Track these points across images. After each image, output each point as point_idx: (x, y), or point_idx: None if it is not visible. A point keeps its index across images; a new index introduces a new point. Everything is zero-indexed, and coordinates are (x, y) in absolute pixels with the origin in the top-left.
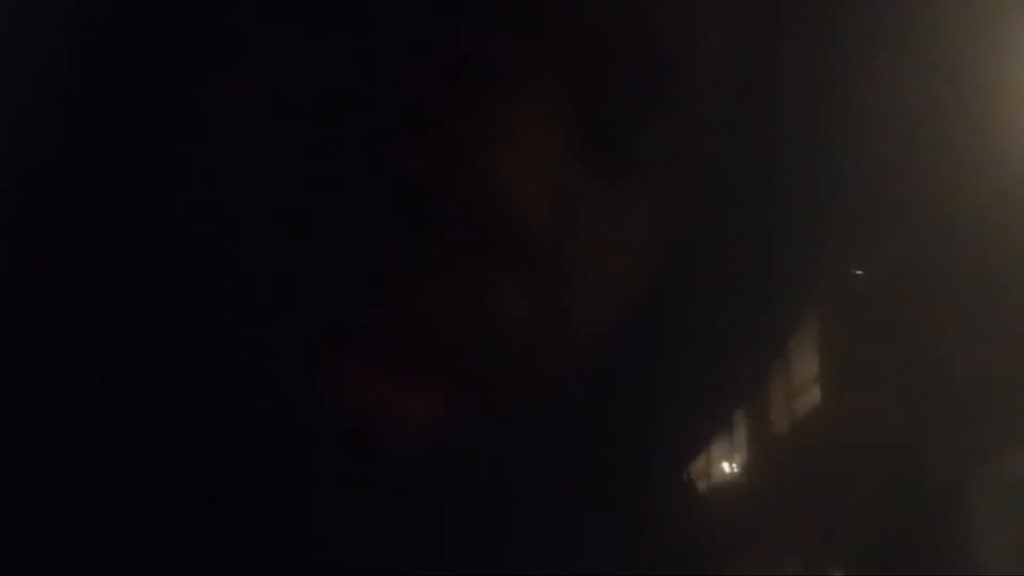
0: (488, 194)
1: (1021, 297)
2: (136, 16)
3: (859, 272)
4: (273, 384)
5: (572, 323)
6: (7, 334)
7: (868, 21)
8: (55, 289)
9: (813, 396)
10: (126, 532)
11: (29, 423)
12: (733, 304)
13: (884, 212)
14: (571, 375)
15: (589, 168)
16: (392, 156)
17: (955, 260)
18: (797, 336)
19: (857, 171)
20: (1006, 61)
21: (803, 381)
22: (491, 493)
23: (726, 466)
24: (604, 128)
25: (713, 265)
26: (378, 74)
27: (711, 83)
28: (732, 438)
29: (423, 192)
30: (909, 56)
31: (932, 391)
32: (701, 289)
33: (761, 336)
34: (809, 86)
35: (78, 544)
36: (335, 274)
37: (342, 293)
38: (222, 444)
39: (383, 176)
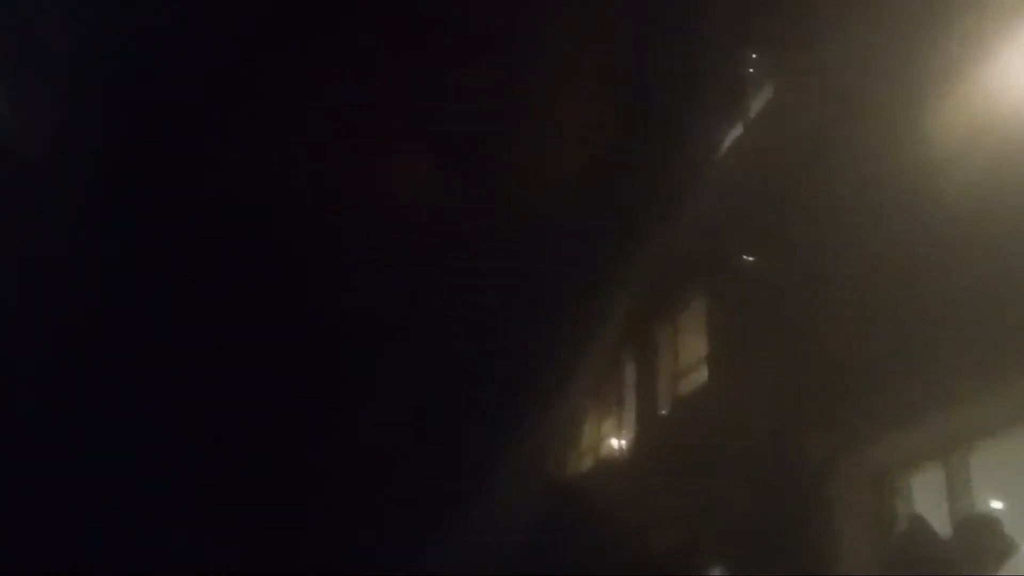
0: None
1: (900, 290)
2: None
3: (748, 259)
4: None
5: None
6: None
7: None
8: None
9: (692, 381)
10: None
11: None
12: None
13: (774, 203)
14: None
15: None
16: None
17: (839, 252)
18: (681, 320)
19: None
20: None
21: (683, 366)
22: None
23: (608, 449)
24: None
25: None
26: None
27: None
28: (609, 419)
29: None
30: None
31: (806, 379)
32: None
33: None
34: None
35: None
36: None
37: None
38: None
39: None
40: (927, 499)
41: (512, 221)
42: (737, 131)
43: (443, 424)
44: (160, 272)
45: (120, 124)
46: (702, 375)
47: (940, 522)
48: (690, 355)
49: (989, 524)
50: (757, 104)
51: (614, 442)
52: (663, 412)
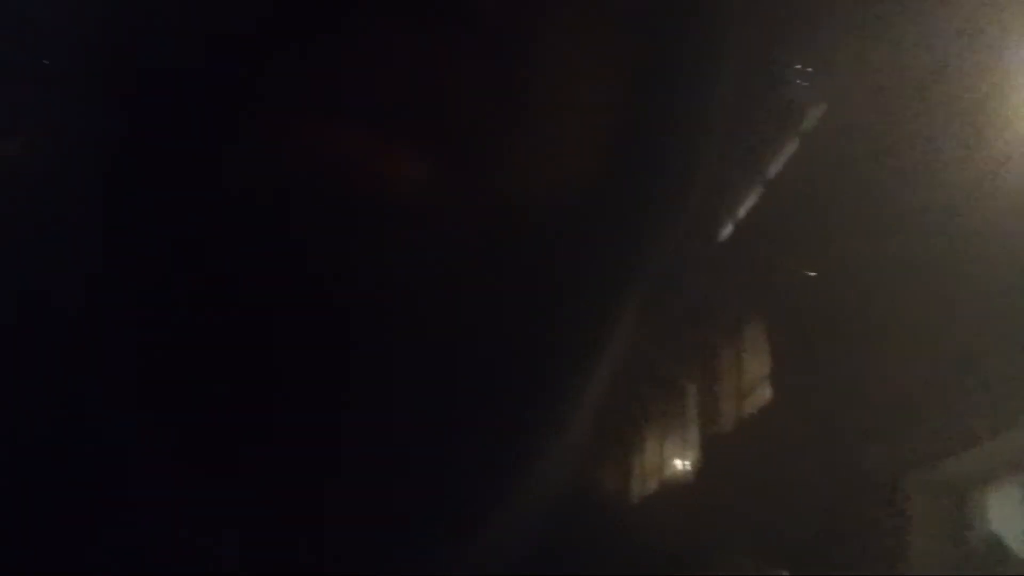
0: None
1: (965, 300)
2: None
3: (811, 274)
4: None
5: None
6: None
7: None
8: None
9: (758, 394)
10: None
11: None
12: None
13: (835, 212)
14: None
15: None
16: None
17: (901, 263)
18: (745, 333)
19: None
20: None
21: (748, 379)
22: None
23: (672, 463)
24: None
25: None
26: None
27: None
28: (672, 435)
29: None
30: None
31: (871, 396)
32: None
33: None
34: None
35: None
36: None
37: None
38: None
39: None
40: (1004, 517)
41: (532, 219)
42: (790, 143)
43: (455, 425)
44: (158, 270)
45: (116, 122)
46: (760, 391)
47: (1018, 541)
48: (747, 371)
49: None
50: (810, 116)
51: (664, 455)
52: (719, 428)
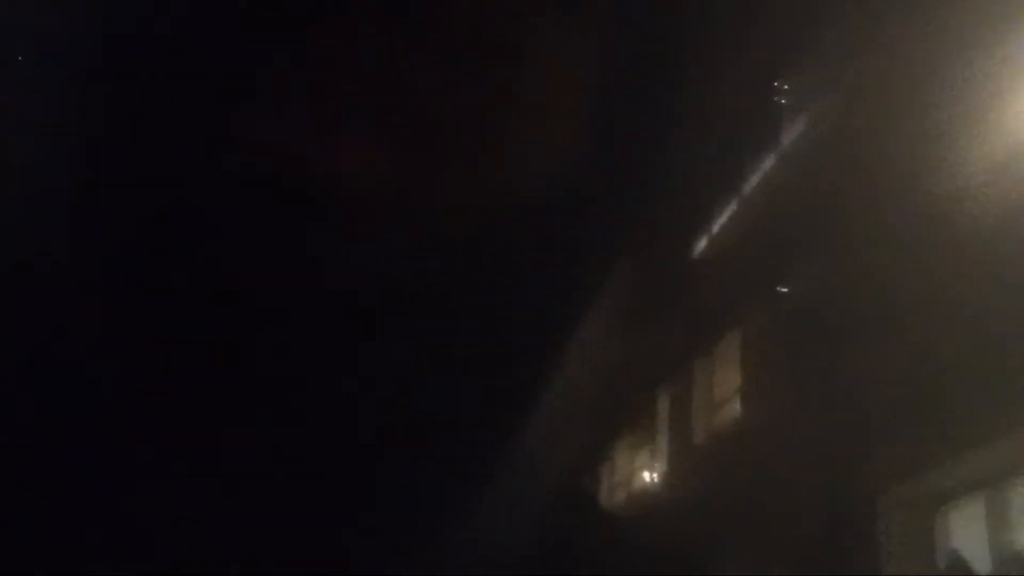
0: None
1: (945, 315)
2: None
3: (784, 290)
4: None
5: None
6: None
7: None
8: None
9: (737, 407)
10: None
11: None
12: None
13: (811, 231)
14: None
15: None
16: None
17: (881, 277)
18: (725, 348)
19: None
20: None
21: (728, 392)
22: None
23: (647, 475)
24: None
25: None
26: None
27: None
28: (656, 446)
29: None
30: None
31: (854, 407)
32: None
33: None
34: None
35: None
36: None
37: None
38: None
39: None
40: (968, 533)
41: (516, 221)
42: (768, 160)
43: (443, 425)
44: (155, 269)
45: (112, 117)
46: (740, 403)
47: (978, 558)
48: (728, 385)
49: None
50: (790, 132)
51: (657, 461)
52: (698, 441)
